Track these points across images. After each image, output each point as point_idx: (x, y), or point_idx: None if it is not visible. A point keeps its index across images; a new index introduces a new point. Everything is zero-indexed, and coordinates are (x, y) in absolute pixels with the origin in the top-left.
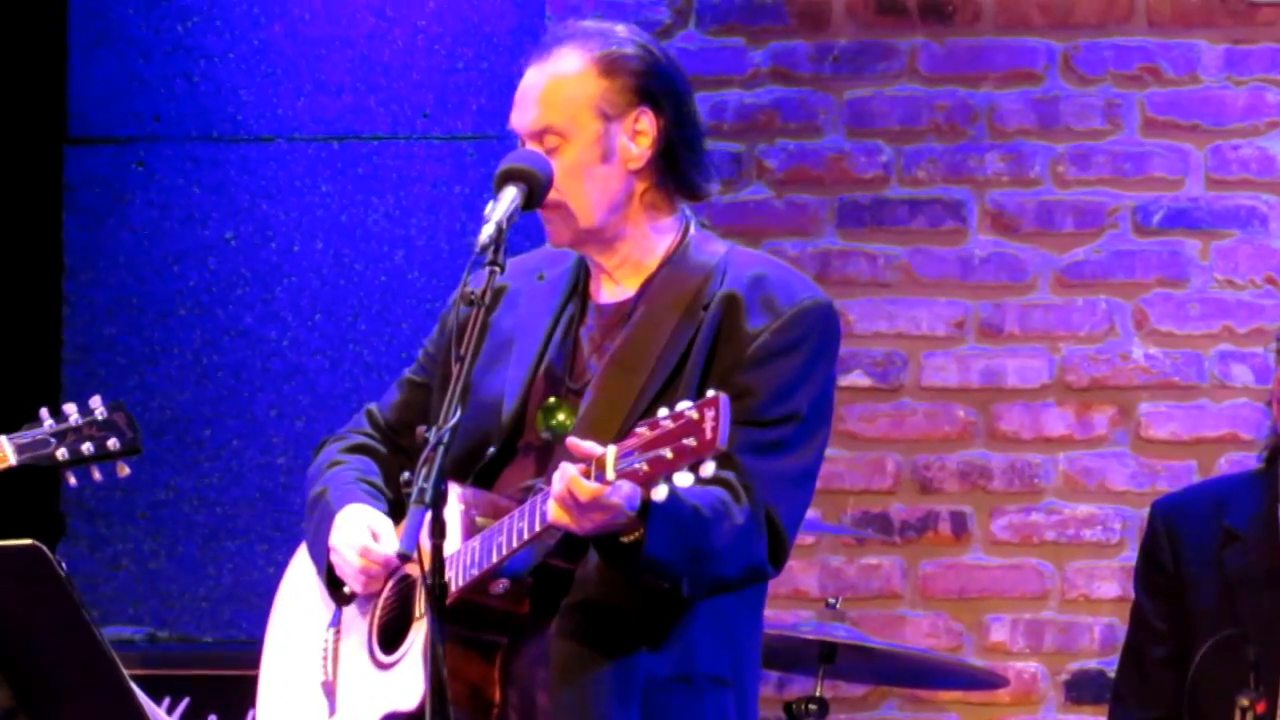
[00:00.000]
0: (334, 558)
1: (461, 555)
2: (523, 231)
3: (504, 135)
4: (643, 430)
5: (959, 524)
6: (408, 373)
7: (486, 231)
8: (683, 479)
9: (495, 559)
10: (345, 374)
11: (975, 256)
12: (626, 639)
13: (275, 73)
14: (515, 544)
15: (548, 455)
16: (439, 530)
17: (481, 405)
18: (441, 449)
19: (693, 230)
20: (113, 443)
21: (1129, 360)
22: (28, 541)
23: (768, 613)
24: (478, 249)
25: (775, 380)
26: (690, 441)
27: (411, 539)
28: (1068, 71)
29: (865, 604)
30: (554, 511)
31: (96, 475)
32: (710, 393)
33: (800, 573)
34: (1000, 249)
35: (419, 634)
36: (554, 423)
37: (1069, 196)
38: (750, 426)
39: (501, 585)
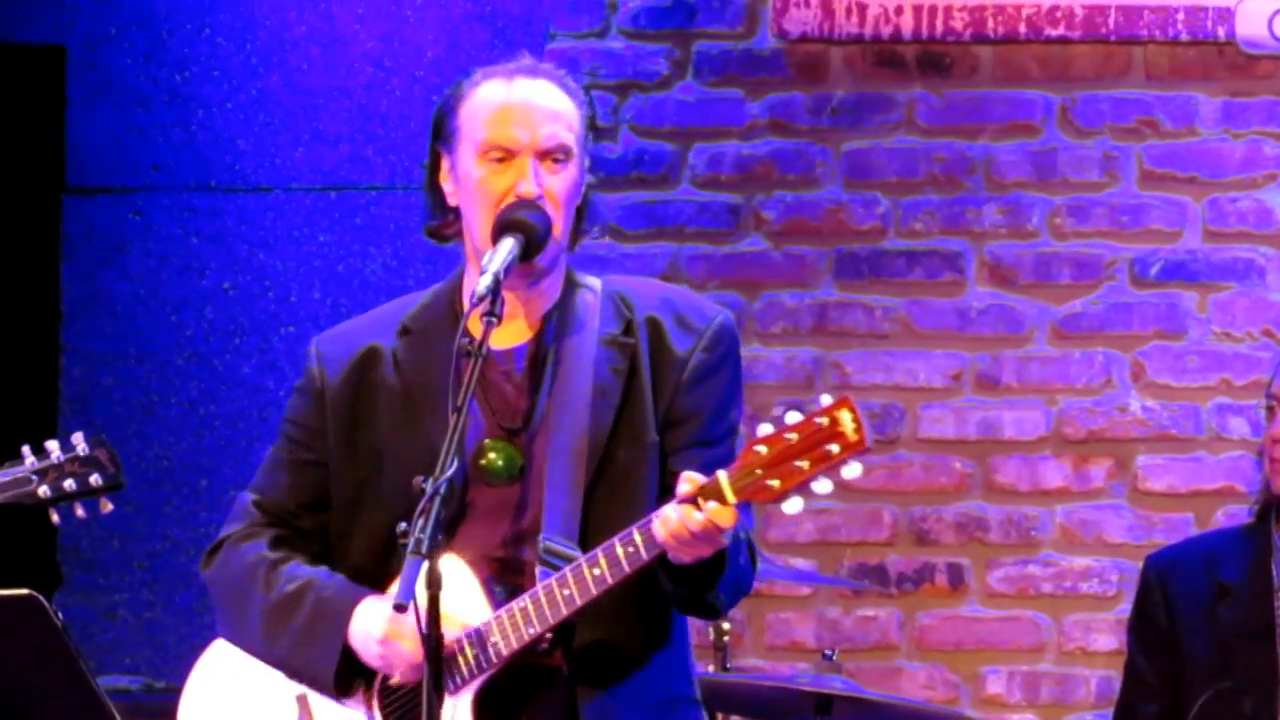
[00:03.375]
0: (376, 651)
1: (507, 618)
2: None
3: None
4: (759, 449)
5: (956, 576)
6: (284, 454)
7: (484, 282)
8: (822, 486)
9: (566, 611)
10: None
11: (973, 308)
12: (639, 670)
13: (273, 123)
14: (595, 590)
15: (502, 500)
16: (435, 581)
17: (409, 468)
18: (438, 500)
19: (569, 266)
20: (95, 479)
21: (1126, 412)
22: (24, 591)
23: (764, 663)
24: (475, 299)
25: (713, 400)
26: (833, 447)
27: (408, 590)
28: (1065, 124)
29: (862, 656)
30: (678, 547)
31: (80, 512)
32: (826, 399)
33: (797, 624)
34: (998, 301)
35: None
36: (492, 462)
37: (1067, 248)
38: (704, 447)
39: (545, 642)
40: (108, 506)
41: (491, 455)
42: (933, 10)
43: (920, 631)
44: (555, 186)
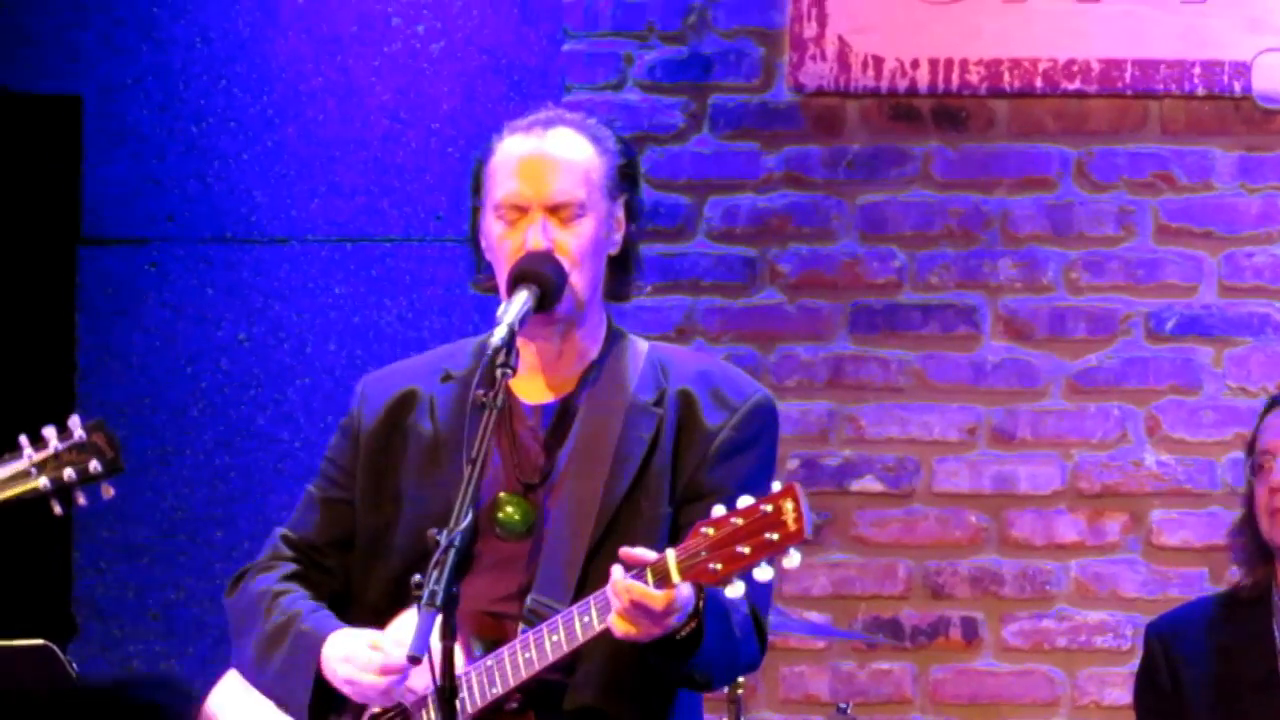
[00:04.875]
0: (343, 684)
1: (475, 676)
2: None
3: None
4: (706, 530)
5: (970, 630)
6: (316, 491)
7: (498, 334)
8: (763, 573)
9: (525, 674)
10: None
11: (988, 362)
12: None
13: (289, 174)
14: (551, 657)
15: (510, 556)
16: (450, 632)
17: (426, 515)
18: (453, 552)
19: (614, 323)
20: (94, 465)
21: (1141, 467)
22: (38, 641)
23: (778, 717)
24: (490, 351)
25: (739, 477)
26: (773, 535)
27: (422, 642)
28: (1081, 178)
29: (876, 709)
30: (620, 624)
31: (81, 500)
32: (776, 485)
33: (811, 678)
34: (1013, 355)
35: None
36: (507, 517)
37: (1082, 303)
38: None
39: (515, 701)
40: (109, 492)
41: (508, 509)
42: (949, 64)
43: (934, 685)
44: (567, 241)
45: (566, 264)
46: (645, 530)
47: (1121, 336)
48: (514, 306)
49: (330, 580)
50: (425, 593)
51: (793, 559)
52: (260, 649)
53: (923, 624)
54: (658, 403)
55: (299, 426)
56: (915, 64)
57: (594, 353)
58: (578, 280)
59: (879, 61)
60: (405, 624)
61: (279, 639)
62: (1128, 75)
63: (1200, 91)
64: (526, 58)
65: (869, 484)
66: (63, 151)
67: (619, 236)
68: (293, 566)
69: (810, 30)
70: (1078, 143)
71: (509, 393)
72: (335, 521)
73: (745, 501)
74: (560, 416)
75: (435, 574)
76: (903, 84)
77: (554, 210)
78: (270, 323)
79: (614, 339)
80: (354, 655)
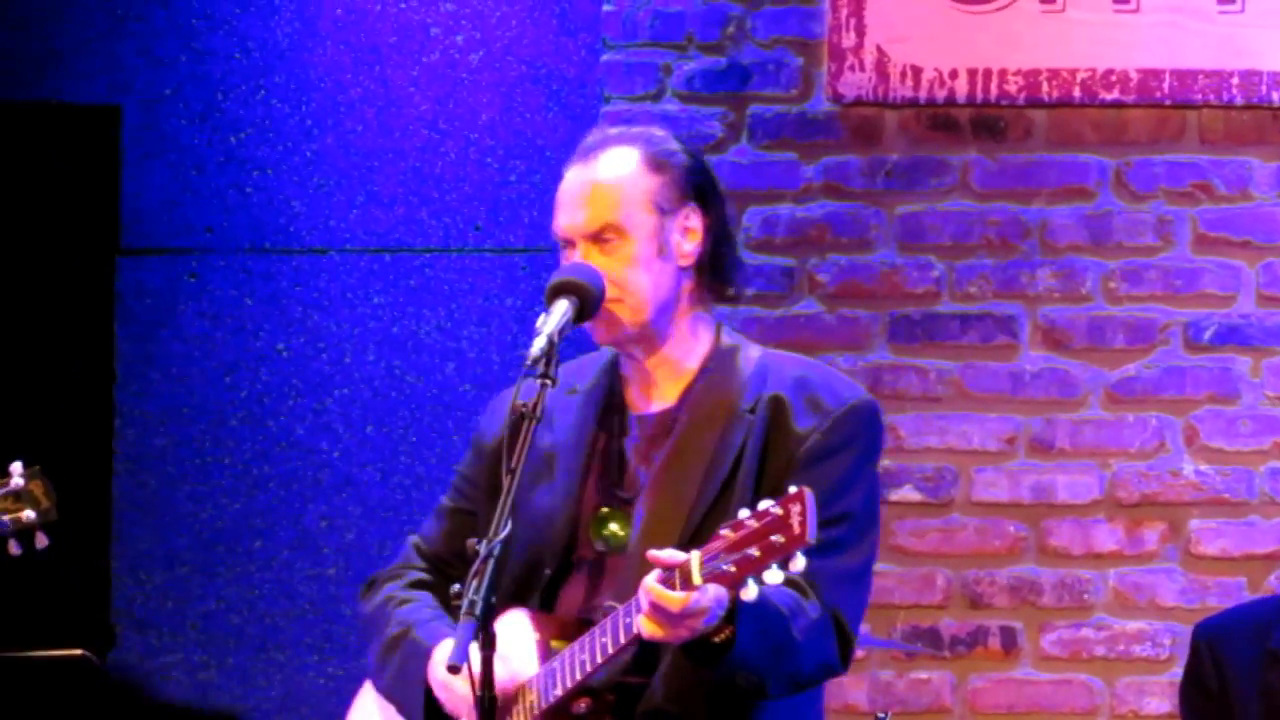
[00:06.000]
0: (440, 691)
1: (542, 677)
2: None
3: (555, 248)
4: (726, 532)
5: (1009, 639)
6: (447, 501)
7: (538, 344)
8: (773, 576)
9: (580, 676)
10: (396, 485)
11: (1026, 372)
12: None
13: (327, 184)
14: (600, 659)
15: (605, 568)
16: (489, 642)
17: (532, 524)
18: (492, 562)
19: (725, 333)
20: (28, 515)
21: (1179, 476)
22: (77, 651)
23: None
24: (529, 362)
25: (828, 480)
26: (778, 538)
27: (462, 651)
28: (1120, 188)
29: (915, 718)
30: (646, 626)
31: (14, 550)
32: (792, 488)
33: (850, 687)
34: (1051, 364)
35: None
36: (608, 534)
37: (1120, 313)
38: None
39: (584, 704)
40: (42, 541)
41: (609, 526)
42: (987, 74)
43: (973, 694)
44: (611, 268)
45: (612, 289)
46: None
47: (1160, 346)
48: (553, 318)
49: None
50: (465, 602)
51: (798, 563)
52: (380, 657)
53: (961, 633)
54: (751, 409)
55: (337, 436)
56: (954, 74)
57: (693, 363)
58: (631, 301)
59: (917, 71)
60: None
61: (394, 648)
62: (1166, 85)
63: (1238, 101)
64: (565, 68)
65: (908, 494)
66: (102, 162)
67: (691, 245)
68: (419, 575)
69: (849, 40)
70: (1116, 153)
71: (622, 405)
72: (460, 532)
73: (765, 504)
74: (660, 428)
75: (475, 584)
76: (941, 94)
77: (593, 239)
78: (309, 333)
79: (720, 347)
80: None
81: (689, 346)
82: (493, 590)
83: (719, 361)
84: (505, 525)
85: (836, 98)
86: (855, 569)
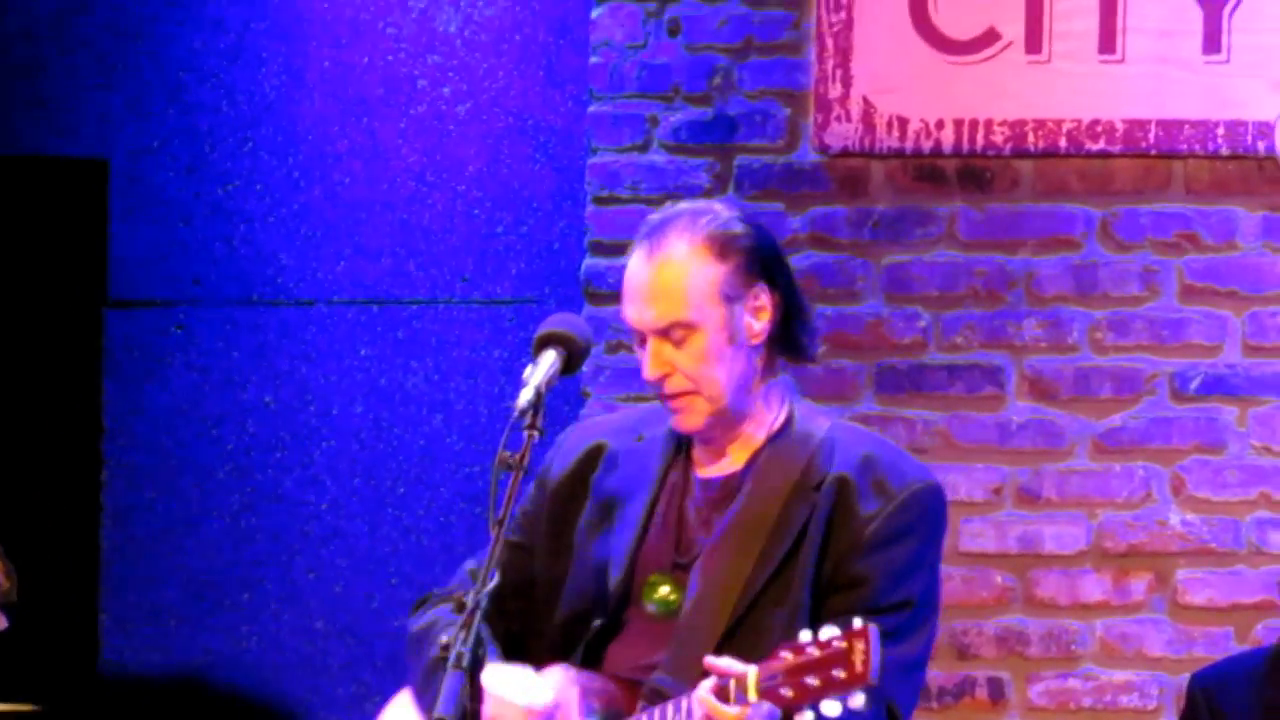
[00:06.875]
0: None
1: None
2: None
3: (542, 299)
4: (786, 655)
5: (996, 690)
6: (506, 533)
7: (525, 396)
8: (830, 708)
9: None
10: (384, 538)
11: (1013, 422)
12: None
13: (315, 236)
14: None
15: (655, 630)
16: (475, 695)
17: (587, 571)
18: (479, 614)
19: (795, 400)
20: None
21: (1166, 526)
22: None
23: None
24: (516, 413)
25: (890, 567)
26: (839, 673)
27: (450, 703)
28: (1106, 238)
29: None
30: None
31: None
32: (857, 622)
33: None
34: (1038, 415)
35: None
36: (659, 598)
37: (1107, 363)
38: (870, 616)
39: None
40: (2, 624)
41: (660, 590)
42: (973, 125)
43: None
44: (683, 363)
45: (689, 385)
46: (781, 619)
47: (1146, 396)
48: (540, 369)
49: (506, 621)
50: (452, 654)
51: (857, 700)
52: (422, 680)
53: (949, 684)
54: (817, 487)
55: (325, 489)
56: (940, 124)
57: (765, 431)
58: (709, 392)
59: (904, 122)
60: (519, 677)
61: (434, 672)
62: (1152, 135)
63: (1224, 151)
64: (552, 119)
65: None
66: (89, 214)
67: (762, 324)
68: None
69: (835, 91)
70: (1102, 203)
71: (687, 461)
72: (516, 566)
73: (827, 633)
74: (724, 493)
75: (462, 635)
76: (927, 144)
77: (662, 334)
78: (296, 385)
79: (792, 416)
80: (502, 683)
81: (763, 418)
82: (480, 643)
83: (788, 431)
84: (493, 577)
85: (823, 148)
86: (913, 658)
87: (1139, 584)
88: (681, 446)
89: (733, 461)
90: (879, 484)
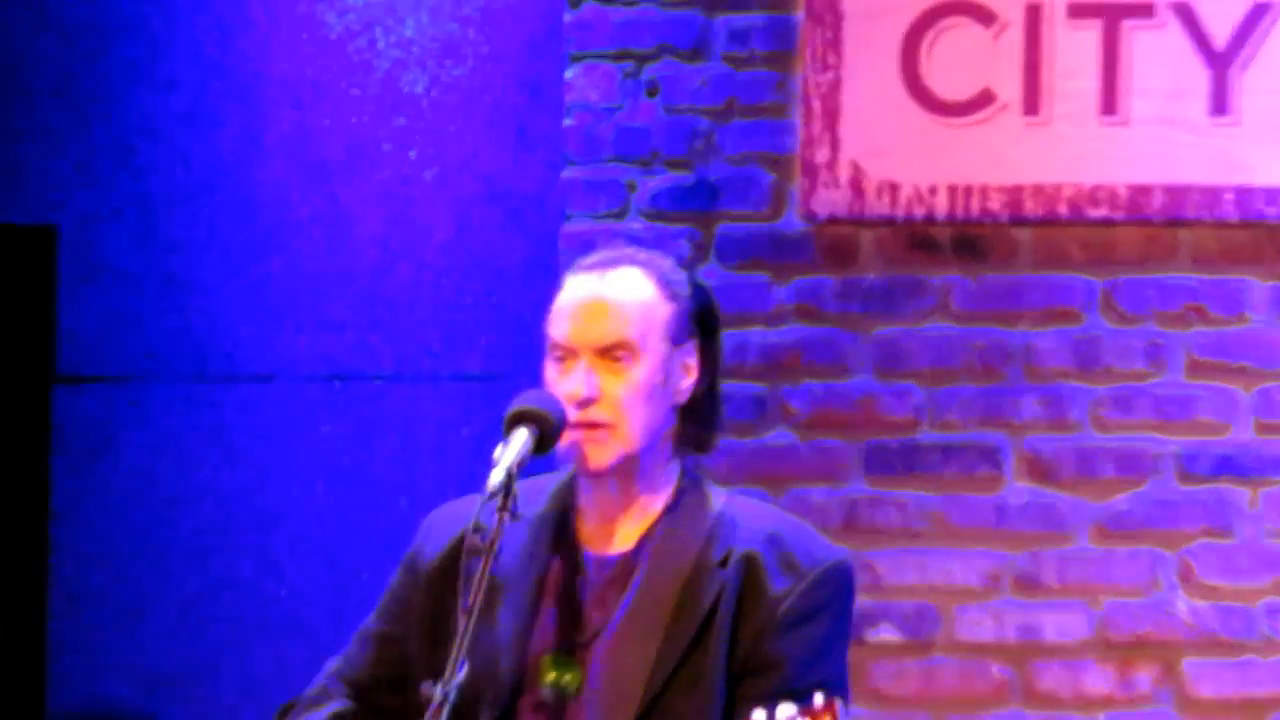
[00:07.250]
0: None
1: None
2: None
3: (513, 374)
4: None
5: None
6: (372, 624)
7: (495, 476)
8: None
9: None
10: (349, 627)
11: (1011, 505)
12: None
13: (274, 308)
14: None
15: (555, 713)
16: None
17: (472, 660)
18: (448, 707)
19: (687, 475)
20: None
21: (1173, 615)
22: None
23: None
24: (487, 495)
25: (805, 647)
26: None
27: None
28: (1108, 310)
29: None
30: None
31: None
32: (819, 699)
33: None
34: (1038, 497)
35: None
36: (557, 680)
37: (1110, 442)
38: (785, 698)
39: None
40: None
41: (554, 673)
42: (968, 191)
43: None
44: (613, 390)
45: (608, 414)
46: (697, 702)
47: (1152, 477)
48: (512, 448)
49: (381, 719)
50: None
51: None
52: None
53: None
54: (722, 564)
55: (283, 574)
56: (933, 190)
57: (660, 505)
58: (626, 429)
59: (895, 188)
60: None
61: None
62: (1156, 201)
63: (1233, 218)
64: (524, 185)
65: (886, 634)
66: (36, 285)
67: (687, 385)
68: (341, 704)
69: (822, 155)
70: (1104, 273)
71: (576, 544)
72: (389, 659)
73: (785, 712)
74: (621, 571)
75: None
76: (920, 211)
77: (603, 353)
78: (255, 465)
79: (686, 490)
80: None
81: (659, 486)
82: None
83: (684, 505)
84: (462, 668)
85: (810, 216)
86: None
87: (1145, 676)
88: (567, 524)
89: (627, 537)
90: (788, 561)
